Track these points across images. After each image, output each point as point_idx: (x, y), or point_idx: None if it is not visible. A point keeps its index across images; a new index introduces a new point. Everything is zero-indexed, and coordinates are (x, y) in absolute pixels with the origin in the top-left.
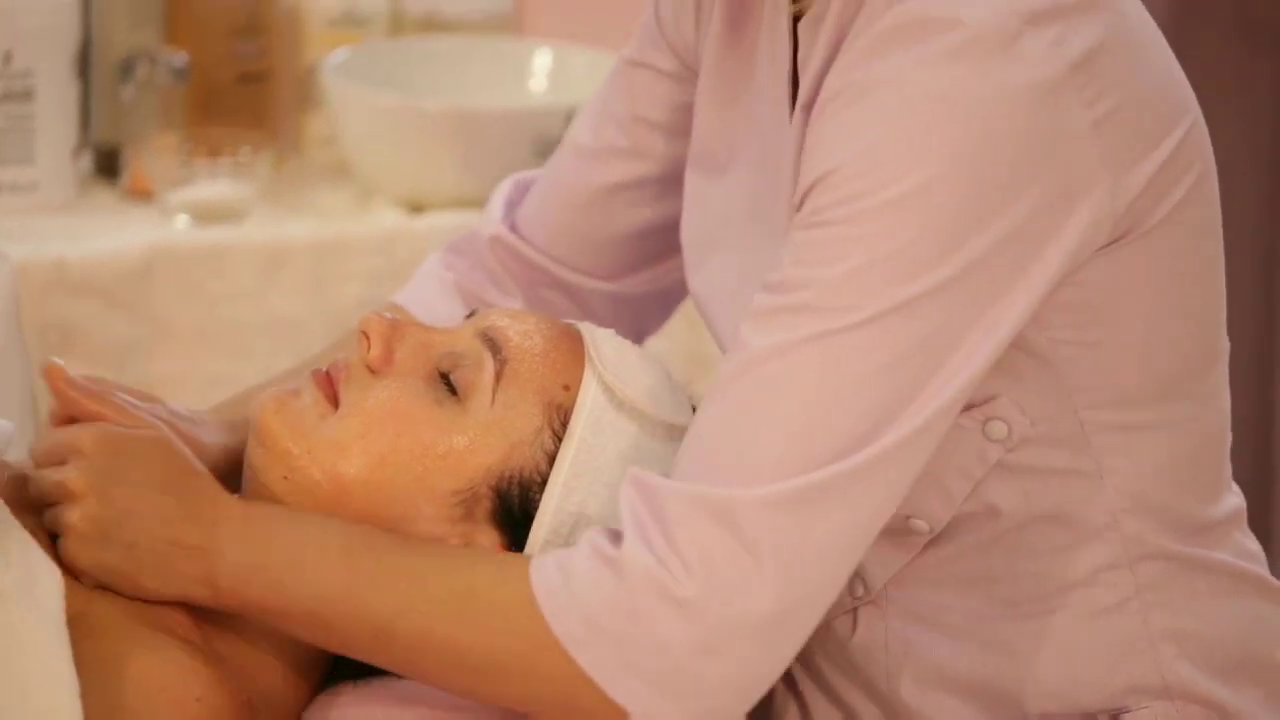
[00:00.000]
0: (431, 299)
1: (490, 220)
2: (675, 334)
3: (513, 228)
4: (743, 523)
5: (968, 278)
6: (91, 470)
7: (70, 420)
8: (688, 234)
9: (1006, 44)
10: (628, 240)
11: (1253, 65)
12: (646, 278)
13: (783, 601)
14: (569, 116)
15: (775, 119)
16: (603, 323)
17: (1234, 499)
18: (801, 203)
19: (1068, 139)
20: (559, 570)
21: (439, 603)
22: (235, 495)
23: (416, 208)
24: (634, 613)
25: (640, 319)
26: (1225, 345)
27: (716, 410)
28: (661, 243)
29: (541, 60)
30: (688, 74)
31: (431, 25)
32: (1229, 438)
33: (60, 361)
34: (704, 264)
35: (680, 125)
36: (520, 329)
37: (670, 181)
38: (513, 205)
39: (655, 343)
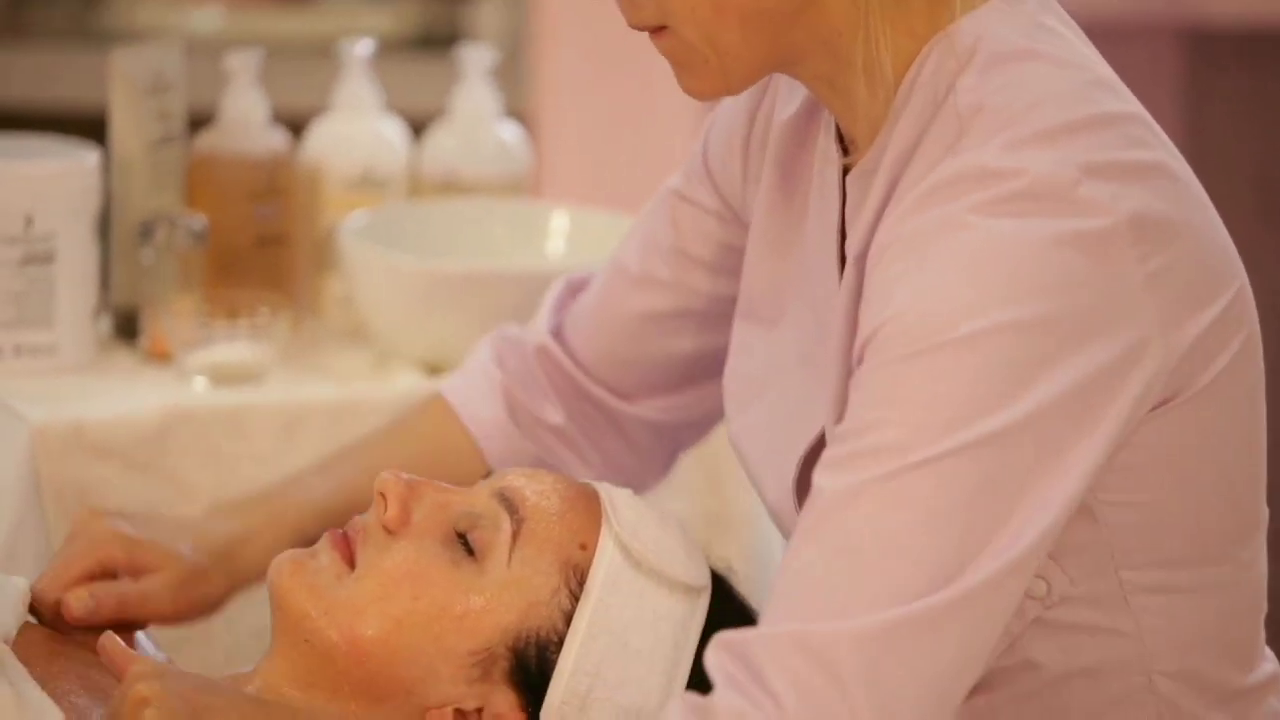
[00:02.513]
0: (477, 399)
1: (538, 328)
2: (695, 495)
3: (558, 334)
4: (832, 656)
5: (1032, 424)
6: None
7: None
8: (732, 381)
9: (1065, 193)
10: (664, 366)
11: (1271, 244)
12: (681, 403)
13: None
14: None
15: (824, 271)
16: (634, 440)
17: (1269, 666)
18: (863, 351)
19: (1123, 290)
20: None
21: None
22: None
23: (434, 369)
24: None
25: (674, 441)
26: (1265, 512)
27: (796, 559)
28: (697, 371)
29: (559, 222)
30: (731, 215)
31: (449, 188)
32: (1265, 605)
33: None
34: (747, 410)
35: (723, 263)
36: (537, 489)
37: (709, 316)
38: (561, 308)
39: (674, 503)
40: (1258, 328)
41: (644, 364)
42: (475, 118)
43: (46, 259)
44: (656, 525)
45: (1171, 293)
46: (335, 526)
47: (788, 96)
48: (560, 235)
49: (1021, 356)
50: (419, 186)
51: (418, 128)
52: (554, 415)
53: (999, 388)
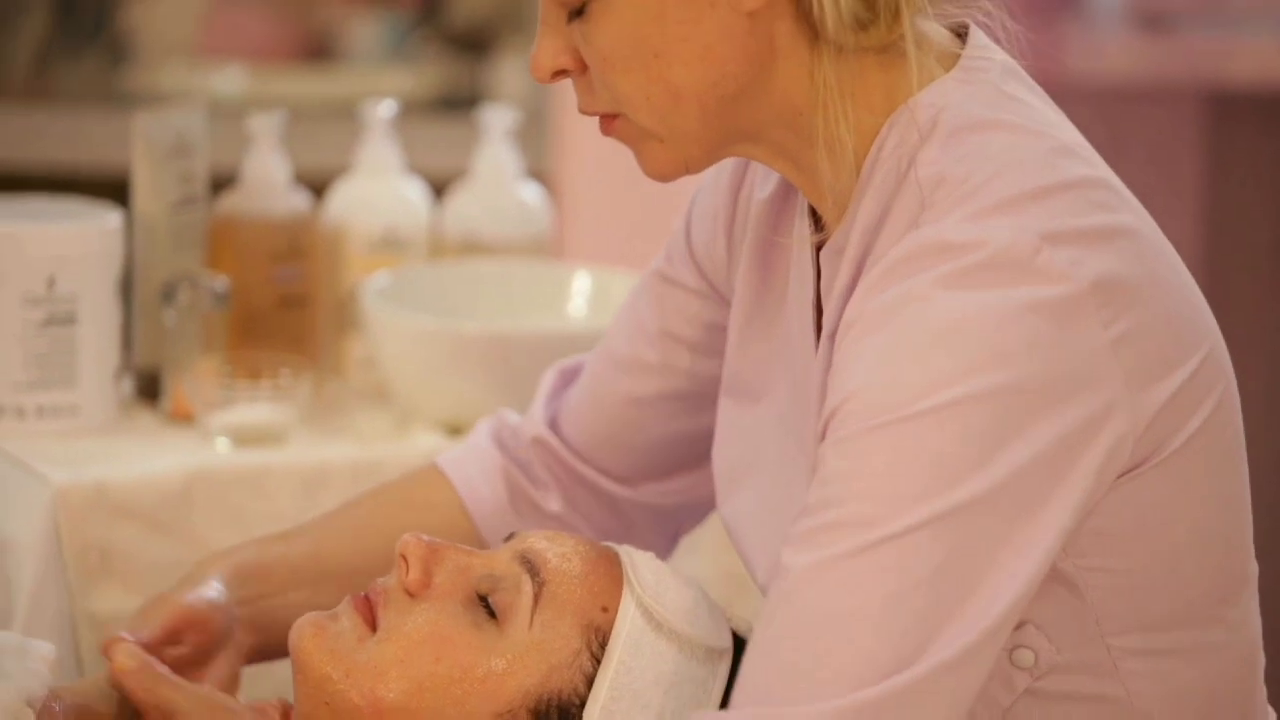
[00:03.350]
0: (477, 477)
1: (533, 419)
2: (714, 555)
3: (553, 424)
4: None
5: (998, 494)
6: None
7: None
8: (719, 462)
9: (1024, 262)
10: (658, 449)
11: None
12: (678, 486)
13: None
14: None
15: (803, 348)
16: (634, 525)
17: None
18: (826, 425)
19: (1088, 356)
20: None
21: None
22: None
23: (456, 430)
24: None
25: (673, 523)
26: (1254, 569)
27: (763, 638)
28: (692, 454)
29: (581, 284)
30: (716, 295)
31: (471, 249)
32: (1261, 661)
33: (126, 637)
34: (735, 492)
35: (709, 343)
36: (559, 551)
37: (699, 397)
38: (555, 397)
39: (693, 564)
40: (1234, 386)
41: (640, 448)
42: (496, 179)
43: (69, 320)
44: (678, 587)
45: (1138, 356)
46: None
47: (765, 175)
48: (582, 296)
49: (986, 428)
50: (440, 247)
51: (439, 189)
52: (553, 503)
53: (964, 460)
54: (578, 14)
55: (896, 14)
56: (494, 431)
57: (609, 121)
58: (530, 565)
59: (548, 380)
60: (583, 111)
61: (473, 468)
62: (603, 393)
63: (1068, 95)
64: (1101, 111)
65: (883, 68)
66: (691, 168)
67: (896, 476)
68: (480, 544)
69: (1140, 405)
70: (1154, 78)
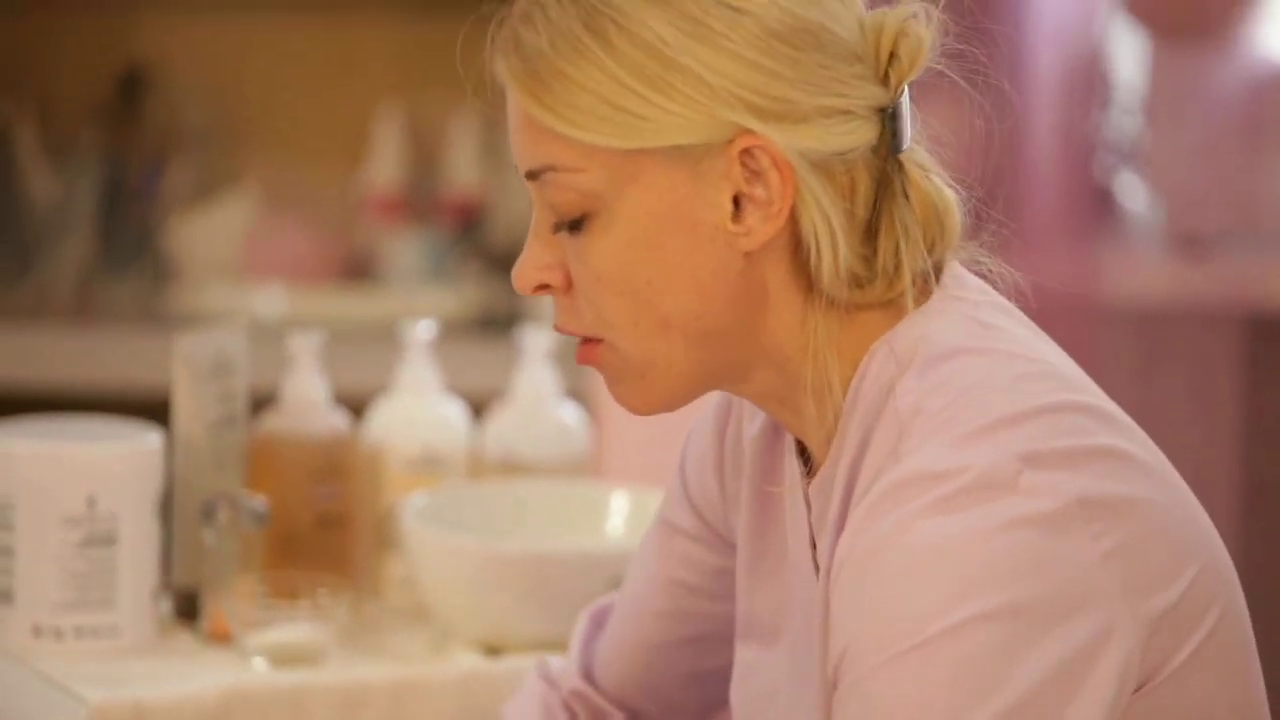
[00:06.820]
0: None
1: (569, 672)
2: None
3: (587, 673)
4: None
5: (1017, 715)
6: None
7: None
8: (738, 703)
9: (1007, 483)
10: (688, 689)
11: None
12: None
13: None
14: None
15: (806, 587)
16: None
17: None
18: (837, 673)
19: (1081, 568)
20: None
21: None
22: None
23: (494, 650)
24: None
25: None
26: None
27: None
28: (725, 690)
29: (619, 504)
30: (717, 539)
31: (510, 469)
32: None
33: None
34: None
35: (718, 588)
36: None
37: (718, 638)
38: (588, 642)
39: None
40: (1239, 597)
41: (670, 687)
42: (535, 399)
43: (108, 540)
44: None
45: (1131, 569)
46: None
47: (753, 411)
48: (620, 516)
49: (993, 648)
50: (479, 467)
51: (478, 409)
52: None
53: (976, 684)
54: (573, 228)
55: (897, 273)
56: (538, 681)
57: (590, 347)
58: None
59: (580, 627)
60: (560, 330)
61: (533, 714)
62: (626, 639)
63: (1105, 318)
64: (1139, 333)
65: (870, 310)
66: (670, 404)
67: (913, 710)
68: None
69: (1140, 618)
70: (1191, 300)
